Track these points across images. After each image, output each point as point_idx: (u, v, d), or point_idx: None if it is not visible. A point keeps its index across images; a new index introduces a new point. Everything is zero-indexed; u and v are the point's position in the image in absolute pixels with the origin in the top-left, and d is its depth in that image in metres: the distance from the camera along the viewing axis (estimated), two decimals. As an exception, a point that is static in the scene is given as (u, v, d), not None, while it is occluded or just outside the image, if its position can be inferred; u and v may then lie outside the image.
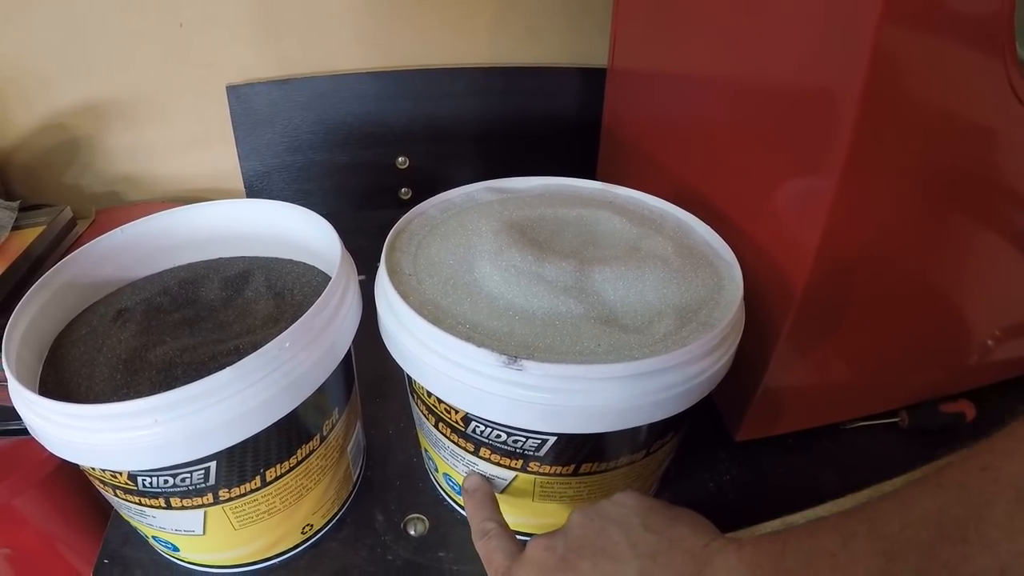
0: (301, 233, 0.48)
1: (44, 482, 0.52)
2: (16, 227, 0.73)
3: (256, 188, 0.86)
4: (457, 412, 0.38)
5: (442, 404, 0.38)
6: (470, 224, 0.44)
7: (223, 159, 0.87)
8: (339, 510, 0.48)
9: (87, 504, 0.57)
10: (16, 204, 0.76)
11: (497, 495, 0.42)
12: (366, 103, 0.81)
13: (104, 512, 0.53)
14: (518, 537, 0.37)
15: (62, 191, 0.90)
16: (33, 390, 0.36)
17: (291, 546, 0.46)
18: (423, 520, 0.49)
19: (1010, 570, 0.21)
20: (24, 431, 0.50)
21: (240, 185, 0.87)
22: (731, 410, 0.52)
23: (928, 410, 0.55)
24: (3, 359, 0.37)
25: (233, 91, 0.80)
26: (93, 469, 0.37)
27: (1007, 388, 0.58)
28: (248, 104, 0.80)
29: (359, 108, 0.81)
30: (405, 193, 0.88)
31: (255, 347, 0.35)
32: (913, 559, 0.22)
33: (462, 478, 0.43)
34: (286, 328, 0.36)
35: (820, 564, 0.24)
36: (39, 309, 0.42)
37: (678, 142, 0.57)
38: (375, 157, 0.85)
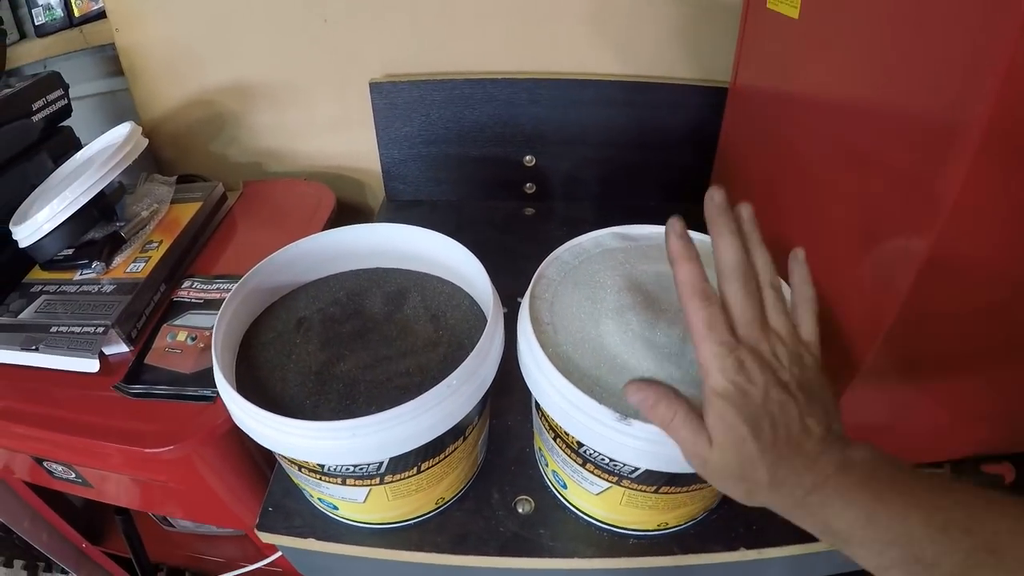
0: (452, 259, 0.57)
1: (217, 441, 0.61)
2: (174, 201, 0.80)
3: (392, 173, 0.95)
4: (573, 438, 0.47)
5: (562, 428, 0.47)
6: (598, 276, 0.51)
7: (361, 141, 0.95)
8: (464, 487, 0.59)
9: (248, 462, 0.67)
10: (173, 179, 0.83)
11: (593, 494, 0.52)
12: (499, 106, 0.87)
13: (260, 470, 0.63)
14: (605, 527, 0.48)
15: (208, 160, 0.99)
16: (231, 384, 0.45)
17: (425, 512, 0.57)
18: (530, 501, 0.58)
19: None
20: (205, 398, 0.60)
21: (377, 165, 0.95)
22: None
23: (969, 467, 0.59)
24: (214, 359, 0.46)
25: (376, 88, 0.87)
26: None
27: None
28: (389, 100, 0.88)
29: (492, 110, 0.88)
30: (529, 188, 0.93)
31: (420, 369, 0.47)
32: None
33: (567, 475, 0.52)
34: (444, 353, 0.48)
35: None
36: (232, 313, 0.52)
37: (783, 169, 0.60)
38: (504, 154, 0.91)
